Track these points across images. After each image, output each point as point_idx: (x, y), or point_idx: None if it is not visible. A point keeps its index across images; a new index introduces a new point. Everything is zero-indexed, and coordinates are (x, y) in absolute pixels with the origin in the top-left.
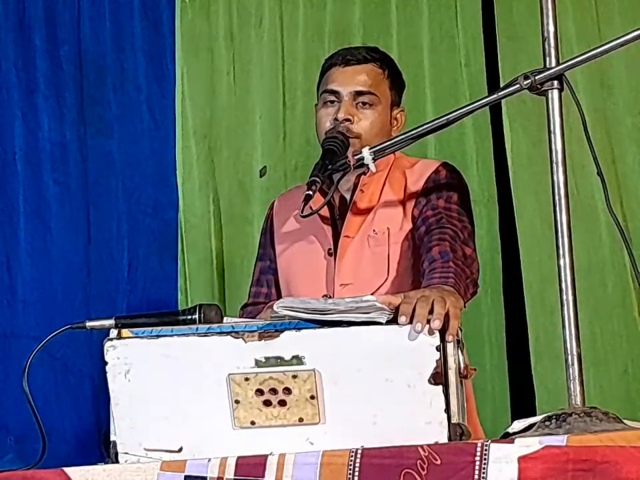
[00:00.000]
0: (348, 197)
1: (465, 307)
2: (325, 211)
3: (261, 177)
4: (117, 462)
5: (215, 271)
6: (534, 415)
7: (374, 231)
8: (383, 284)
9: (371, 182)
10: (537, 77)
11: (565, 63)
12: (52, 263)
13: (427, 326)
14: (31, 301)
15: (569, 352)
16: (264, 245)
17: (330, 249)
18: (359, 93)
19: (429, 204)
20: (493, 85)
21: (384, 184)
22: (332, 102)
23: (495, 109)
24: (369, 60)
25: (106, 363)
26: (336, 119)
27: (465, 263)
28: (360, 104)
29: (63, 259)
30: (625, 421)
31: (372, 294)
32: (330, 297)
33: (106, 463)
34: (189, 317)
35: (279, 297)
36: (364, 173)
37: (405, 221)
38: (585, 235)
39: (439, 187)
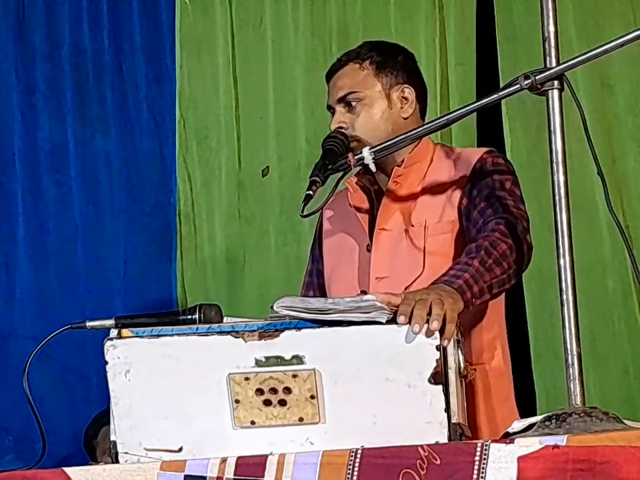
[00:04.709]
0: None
1: (471, 307)
2: (367, 205)
3: (263, 176)
4: (117, 462)
5: (215, 271)
6: (534, 414)
7: (411, 224)
8: (417, 277)
9: (408, 173)
10: (537, 77)
11: (565, 63)
12: (50, 263)
13: (425, 327)
14: (29, 301)
15: (569, 352)
16: (313, 245)
17: (368, 245)
18: (340, 100)
19: (481, 193)
20: (492, 85)
21: (425, 175)
22: (333, 115)
23: (495, 109)
24: (347, 62)
25: (106, 363)
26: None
27: (497, 261)
28: (348, 107)
29: (60, 259)
30: (625, 421)
31: (406, 288)
32: (365, 292)
33: (90, 464)
34: (189, 316)
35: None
36: (398, 165)
37: (446, 212)
38: (585, 235)
39: (488, 174)
